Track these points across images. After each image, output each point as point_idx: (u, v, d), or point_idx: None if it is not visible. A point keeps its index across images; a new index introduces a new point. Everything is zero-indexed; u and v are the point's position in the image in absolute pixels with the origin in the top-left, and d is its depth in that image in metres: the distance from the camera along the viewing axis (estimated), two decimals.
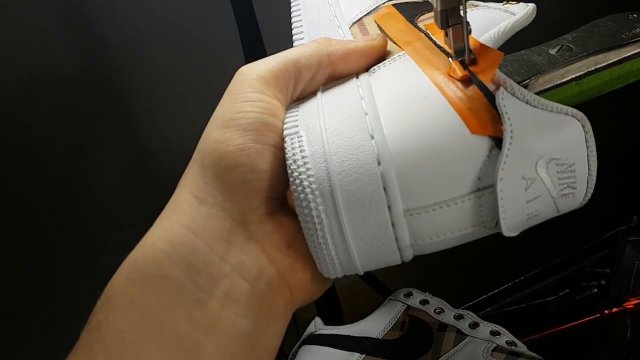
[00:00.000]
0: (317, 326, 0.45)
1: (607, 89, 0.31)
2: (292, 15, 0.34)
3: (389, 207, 0.22)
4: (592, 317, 0.49)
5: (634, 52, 0.30)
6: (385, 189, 0.22)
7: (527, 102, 0.22)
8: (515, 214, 0.23)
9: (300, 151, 0.23)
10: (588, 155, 0.23)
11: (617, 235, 0.56)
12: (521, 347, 0.38)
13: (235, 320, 0.23)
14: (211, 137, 0.25)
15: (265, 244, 0.25)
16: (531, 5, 0.28)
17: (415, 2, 0.32)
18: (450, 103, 0.23)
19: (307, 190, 0.22)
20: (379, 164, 0.22)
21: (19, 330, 0.75)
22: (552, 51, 0.31)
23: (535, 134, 0.22)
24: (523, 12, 0.27)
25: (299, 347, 0.43)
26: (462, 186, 0.22)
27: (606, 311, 0.49)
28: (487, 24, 0.27)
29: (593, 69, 0.30)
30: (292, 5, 0.35)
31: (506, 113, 0.22)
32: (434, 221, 0.23)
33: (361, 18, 0.32)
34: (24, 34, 0.64)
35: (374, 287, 0.64)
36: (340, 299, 0.70)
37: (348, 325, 0.43)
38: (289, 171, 0.23)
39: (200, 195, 0.24)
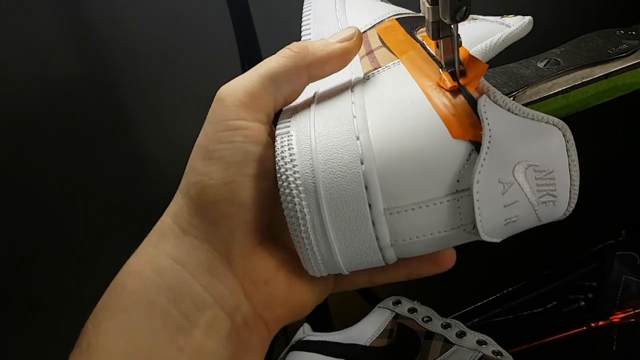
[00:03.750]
0: (306, 332, 0.45)
1: (593, 102, 0.31)
2: (302, 25, 0.35)
3: (369, 205, 0.23)
4: (579, 329, 0.50)
5: (620, 67, 0.31)
6: (366, 188, 0.23)
7: (508, 110, 0.23)
8: (492, 218, 0.23)
9: (289, 149, 0.24)
10: (569, 164, 0.24)
11: (606, 249, 0.56)
12: (507, 357, 0.38)
13: (218, 350, 0.24)
14: (195, 169, 0.25)
15: (244, 280, 0.25)
16: (527, 18, 0.28)
17: (417, 16, 0.33)
18: (435, 109, 0.23)
19: (292, 186, 0.23)
20: (362, 163, 0.23)
21: (17, 331, 0.74)
22: (540, 64, 0.31)
23: (514, 140, 0.23)
24: (518, 24, 0.28)
25: (287, 352, 0.43)
26: (441, 188, 0.23)
27: (593, 324, 0.49)
28: (482, 36, 0.28)
29: (580, 82, 0.31)
30: (303, 15, 0.36)
31: (486, 119, 0.22)
32: (413, 221, 0.23)
33: (365, 31, 0.33)
34: (22, 39, 0.64)
35: (363, 294, 0.64)
36: (330, 306, 0.70)
37: (336, 332, 0.44)
38: (277, 167, 0.24)
39: (184, 226, 0.25)
